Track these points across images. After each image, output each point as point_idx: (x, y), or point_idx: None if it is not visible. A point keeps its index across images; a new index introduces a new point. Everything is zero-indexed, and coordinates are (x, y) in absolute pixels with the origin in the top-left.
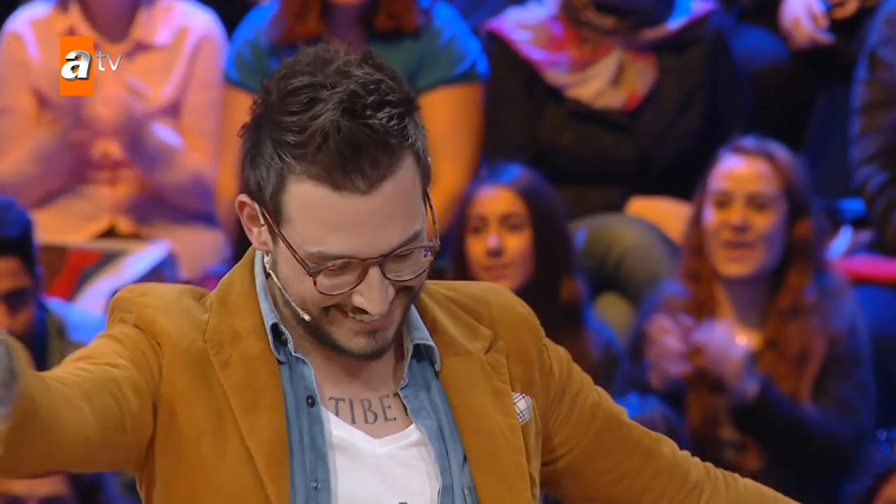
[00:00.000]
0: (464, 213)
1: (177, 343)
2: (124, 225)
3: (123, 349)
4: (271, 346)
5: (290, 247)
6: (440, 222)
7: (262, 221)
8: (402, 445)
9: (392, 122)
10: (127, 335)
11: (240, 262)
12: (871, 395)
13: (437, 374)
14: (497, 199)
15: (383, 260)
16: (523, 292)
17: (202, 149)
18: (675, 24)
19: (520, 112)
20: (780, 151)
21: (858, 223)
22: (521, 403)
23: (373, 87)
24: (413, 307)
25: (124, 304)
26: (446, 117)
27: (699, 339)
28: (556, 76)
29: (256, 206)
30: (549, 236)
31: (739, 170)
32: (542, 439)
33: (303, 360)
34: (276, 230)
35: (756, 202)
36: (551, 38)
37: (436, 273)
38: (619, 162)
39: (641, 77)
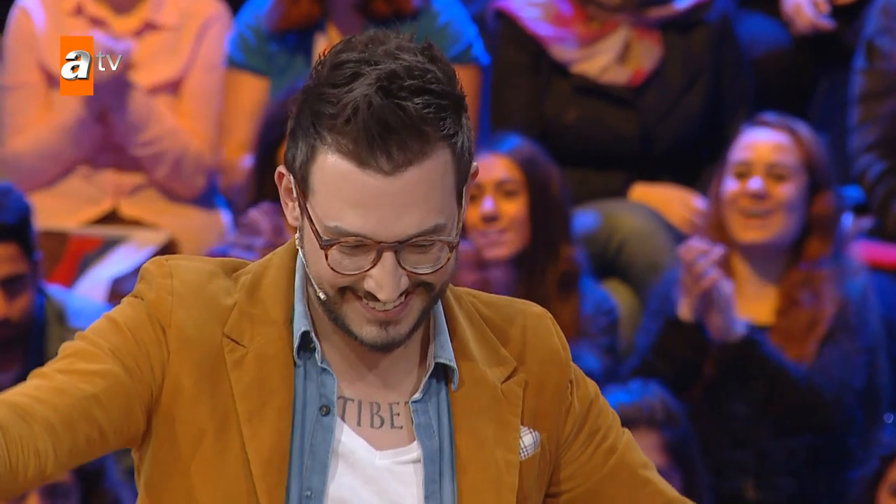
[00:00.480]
0: None
1: (190, 339)
2: (127, 209)
3: (122, 342)
4: (294, 349)
5: (310, 218)
6: None
7: (295, 194)
8: (400, 461)
9: (428, 110)
10: (134, 323)
11: (283, 246)
12: (858, 364)
13: (449, 392)
14: (493, 167)
15: (399, 247)
16: (520, 258)
17: (200, 130)
18: (681, 4)
19: (526, 90)
20: (801, 126)
21: (859, 210)
22: (528, 438)
23: (417, 73)
24: (444, 322)
25: (149, 278)
26: None
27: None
28: (563, 52)
29: (291, 177)
30: (545, 203)
31: (760, 141)
32: (551, 471)
33: (328, 371)
34: (301, 201)
35: (775, 173)
36: (559, 16)
37: None
38: (623, 140)
39: (647, 54)
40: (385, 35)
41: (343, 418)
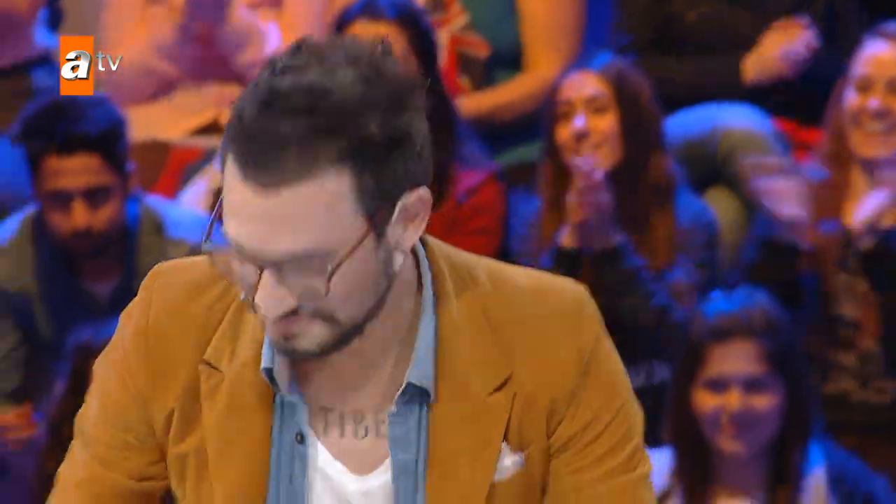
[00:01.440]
0: (552, 100)
1: (168, 375)
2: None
3: (123, 394)
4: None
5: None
6: (526, 107)
7: None
8: (379, 484)
9: (316, 133)
10: (128, 371)
11: None
12: None
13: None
14: (583, 84)
15: (276, 266)
16: (613, 174)
17: None
18: None
19: None
20: None
21: None
22: (508, 460)
23: (318, 93)
24: (431, 339)
25: (137, 307)
26: (546, 7)
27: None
28: None
29: None
30: (635, 116)
31: (882, 55)
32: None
33: (297, 402)
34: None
35: None
36: None
37: (528, 165)
38: (742, 40)
39: None
40: (333, 44)
41: (325, 433)
